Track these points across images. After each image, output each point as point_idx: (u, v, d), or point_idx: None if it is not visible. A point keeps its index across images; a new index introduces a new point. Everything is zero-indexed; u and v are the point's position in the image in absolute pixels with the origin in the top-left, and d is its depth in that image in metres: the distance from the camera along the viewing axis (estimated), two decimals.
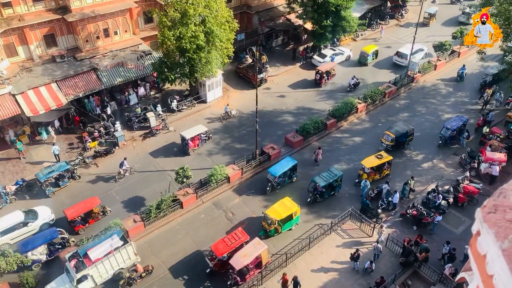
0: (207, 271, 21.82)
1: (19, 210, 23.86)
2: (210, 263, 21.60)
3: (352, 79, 36.93)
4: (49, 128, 30.28)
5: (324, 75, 37.07)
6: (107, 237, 21.40)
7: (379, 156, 26.77)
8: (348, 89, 36.80)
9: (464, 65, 37.02)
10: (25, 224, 23.23)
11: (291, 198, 24.66)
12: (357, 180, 27.19)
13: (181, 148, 30.07)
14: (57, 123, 30.91)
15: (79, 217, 23.71)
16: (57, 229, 22.96)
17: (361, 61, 40.61)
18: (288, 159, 26.85)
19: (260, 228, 23.96)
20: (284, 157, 27.68)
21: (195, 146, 29.78)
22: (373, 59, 40.75)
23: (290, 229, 24.22)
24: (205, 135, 30.33)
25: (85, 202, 23.98)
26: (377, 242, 22.58)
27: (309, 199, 25.68)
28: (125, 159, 27.52)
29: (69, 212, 23.32)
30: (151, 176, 27.86)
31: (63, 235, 22.89)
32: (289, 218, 23.52)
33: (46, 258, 22.02)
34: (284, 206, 23.55)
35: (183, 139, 29.55)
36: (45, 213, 24.08)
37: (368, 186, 25.65)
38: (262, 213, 24.07)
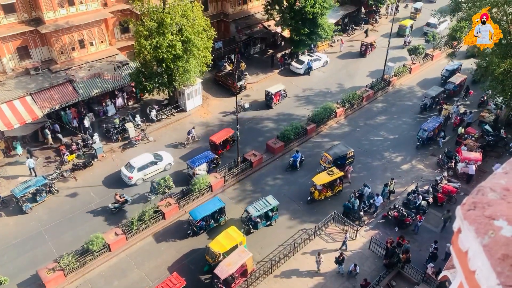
0: None
1: (148, 152, 28.24)
2: None
3: (408, 37, 45.21)
4: (46, 131, 29.88)
5: (369, 46, 42.69)
6: None
7: (330, 173, 25.84)
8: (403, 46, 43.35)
9: (297, 151, 29.35)
10: (154, 163, 27.72)
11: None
12: (309, 198, 26.17)
13: (265, 103, 35.34)
14: (56, 127, 30.68)
15: (220, 143, 29.41)
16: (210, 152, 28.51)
17: (400, 33, 46.41)
18: (215, 201, 24.65)
19: (205, 262, 22.41)
20: (213, 198, 25.45)
21: (277, 101, 35.27)
22: (409, 31, 46.41)
23: None
24: (284, 93, 35.86)
25: (223, 131, 30.41)
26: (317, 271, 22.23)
27: (242, 230, 23.85)
28: (193, 128, 31.36)
29: (215, 138, 29.49)
30: (132, 188, 27.42)
31: (216, 156, 28.55)
32: (235, 249, 21.78)
33: (206, 172, 27.33)
34: (228, 238, 22.08)
35: (268, 94, 35.12)
36: (167, 156, 28.71)
37: (356, 204, 25.28)
38: (205, 246, 22.48)
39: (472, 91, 35.90)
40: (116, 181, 27.84)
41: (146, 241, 24.13)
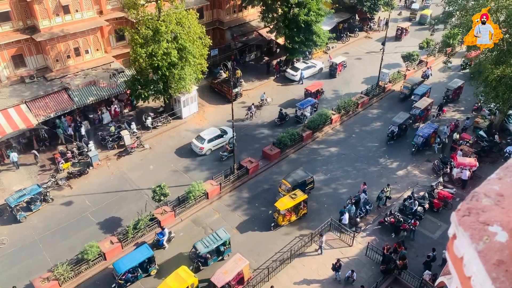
0: None
1: (214, 127, 31.94)
2: None
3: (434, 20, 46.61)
4: (60, 130, 30.59)
5: (404, 31, 48.71)
6: None
7: (293, 196, 24.61)
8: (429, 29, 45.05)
9: (163, 228, 24.16)
10: (221, 136, 31.25)
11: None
12: (273, 224, 25.04)
13: (328, 73, 41.05)
14: (81, 129, 31.35)
15: (314, 92, 36.36)
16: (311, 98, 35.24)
17: (421, 22, 51.72)
18: (143, 249, 22.03)
19: None
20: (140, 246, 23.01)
21: (339, 70, 40.80)
22: (430, 19, 50.66)
23: None
24: (344, 63, 41.59)
25: (315, 83, 38.01)
26: None
27: (191, 267, 21.92)
28: (252, 104, 35.03)
29: (310, 87, 36.80)
30: (127, 196, 27.31)
31: (316, 101, 35.38)
32: None
33: (309, 114, 34.11)
34: (178, 280, 20.08)
35: (332, 64, 40.74)
36: (230, 131, 30.74)
37: (352, 210, 25.23)
38: None
39: (445, 109, 35.58)
40: (112, 188, 27.72)
41: None
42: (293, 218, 25.30)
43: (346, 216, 24.73)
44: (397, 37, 48.89)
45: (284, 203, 24.44)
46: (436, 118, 34.79)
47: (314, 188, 27.75)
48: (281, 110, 34.40)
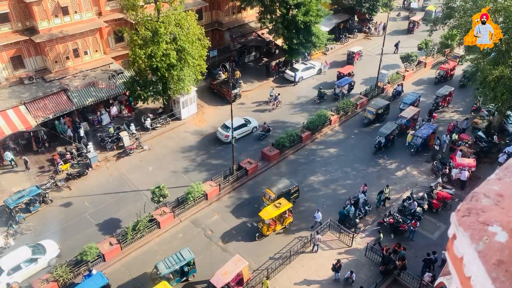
0: None
1: (238, 117, 32.78)
2: None
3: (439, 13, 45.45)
4: (65, 127, 30.93)
5: (416, 24, 50.71)
6: None
7: (277, 205, 24.05)
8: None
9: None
10: (245, 125, 32.99)
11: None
12: (257, 234, 24.44)
13: (346, 62, 43.46)
14: (80, 130, 31.36)
15: (346, 74, 39.52)
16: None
17: (426, 18, 50.27)
18: (97, 277, 20.63)
19: None
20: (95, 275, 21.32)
21: (357, 59, 43.57)
22: (435, 15, 50.33)
23: None
24: (361, 54, 44.20)
25: (347, 66, 41.17)
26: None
27: None
28: (278, 94, 36.85)
29: (342, 70, 40.13)
30: (126, 197, 27.29)
31: (353, 80, 38.72)
32: None
33: (347, 92, 37.80)
34: None
35: (350, 53, 43.57)
36: (254, 121, 33.92)
37: (351, 211, 25.20)
38: None
39: (436, 115, 35.07)
40: (111, 189, 27.69)
41: (141, 251, 23.93)
42: (278, 227, 24.91)
43: (319, 214, 24.90)
44: (409, 30, 50.88)
45: (269, 212, 23.85)
46: (427, 122, 34.53)
47: (314, 189, 27.77)
48: (320, 89, 37.34)
